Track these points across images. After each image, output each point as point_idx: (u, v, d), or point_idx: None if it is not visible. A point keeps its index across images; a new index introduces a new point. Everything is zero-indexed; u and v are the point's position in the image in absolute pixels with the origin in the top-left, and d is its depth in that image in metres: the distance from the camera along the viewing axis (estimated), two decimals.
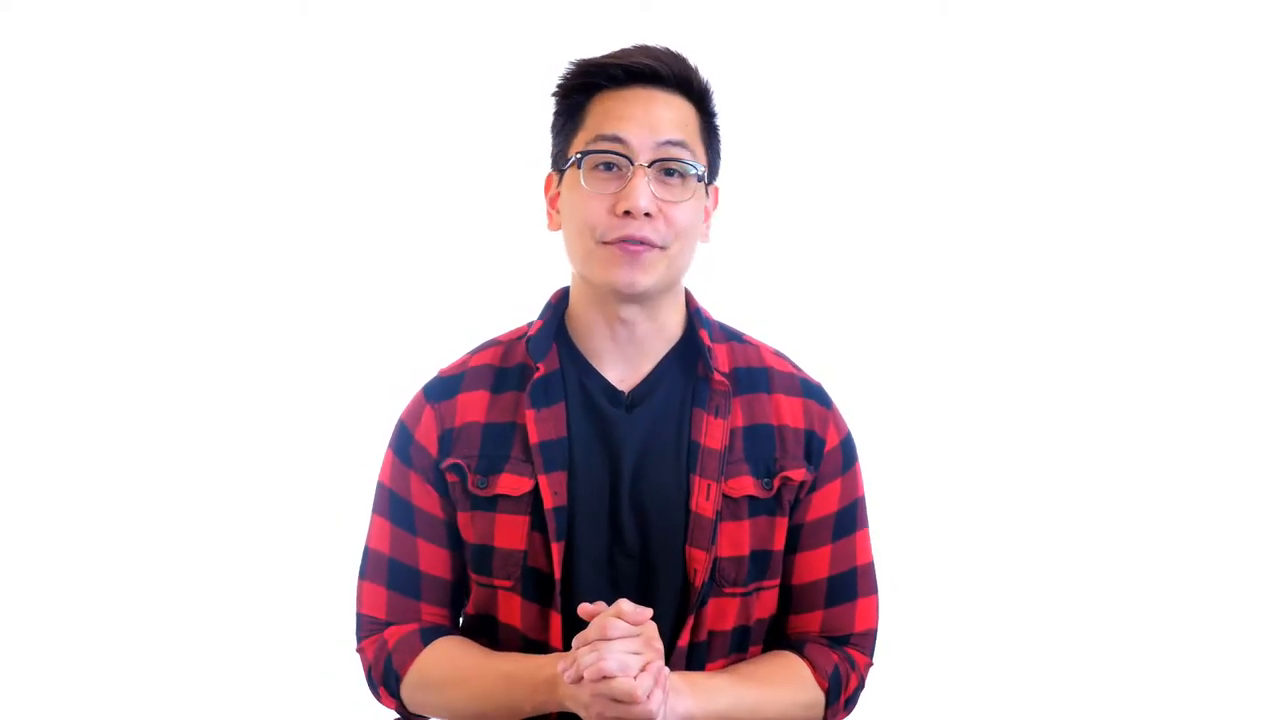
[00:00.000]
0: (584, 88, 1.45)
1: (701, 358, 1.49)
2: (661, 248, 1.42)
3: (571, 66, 1.47)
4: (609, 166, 1.42)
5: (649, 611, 1.34)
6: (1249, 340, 2.67)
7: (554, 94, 1.48)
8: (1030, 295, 2.69)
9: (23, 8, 2.61)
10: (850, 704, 1.54)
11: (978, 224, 2.69)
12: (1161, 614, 2.62)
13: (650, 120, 1.42)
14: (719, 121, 1.51)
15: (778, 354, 1.56)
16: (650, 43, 1.47)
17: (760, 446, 1.48)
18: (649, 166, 1.41)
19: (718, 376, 1.47)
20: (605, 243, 1.41)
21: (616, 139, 1.41)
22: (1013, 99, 2.67)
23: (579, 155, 1.43)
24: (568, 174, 1.45)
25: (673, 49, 1.47)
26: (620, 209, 1.40)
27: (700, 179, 1.44)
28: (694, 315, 1.52)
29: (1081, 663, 2.61)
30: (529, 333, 1.50)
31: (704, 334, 1.49)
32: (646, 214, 1.40)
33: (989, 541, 2.63)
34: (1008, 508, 2.66)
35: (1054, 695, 2.56)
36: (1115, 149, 2.67)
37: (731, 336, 1.55)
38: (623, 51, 1.46)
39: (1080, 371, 2.68)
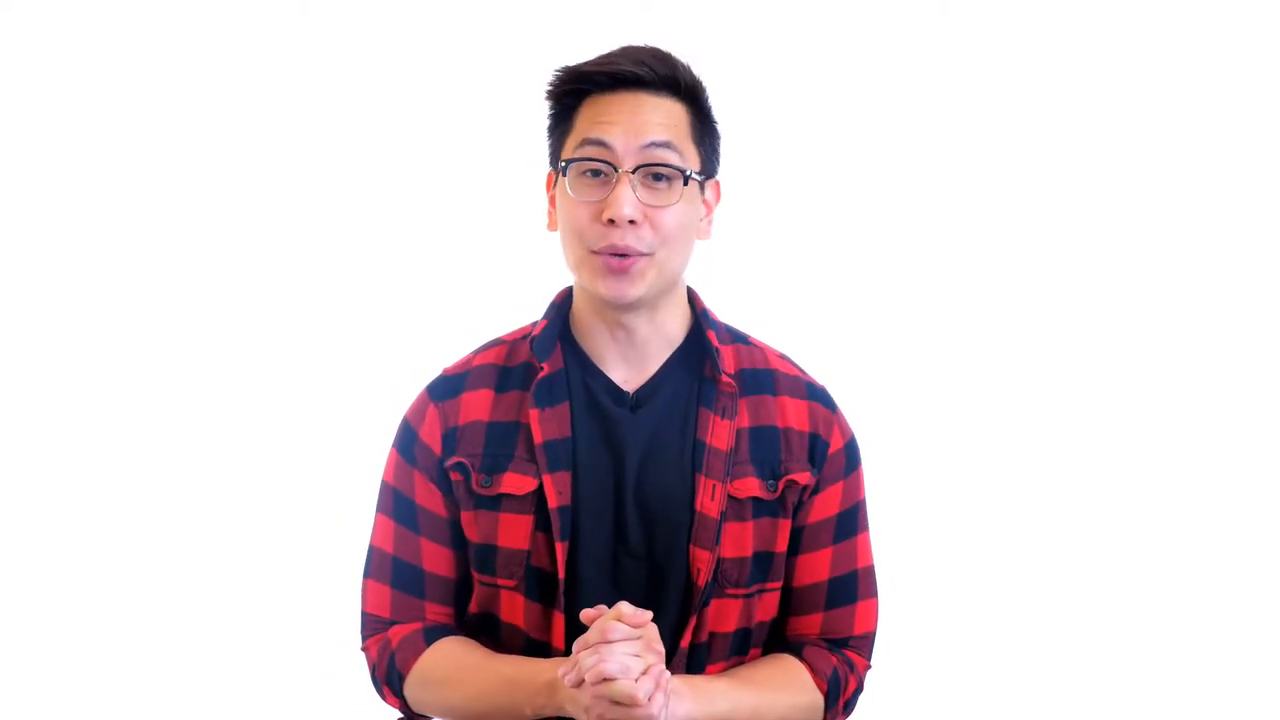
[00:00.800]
0: (573, 93, 1.45)
1: (709, 358, 1.49)
2: (649, 254, 1.42)
3: (559, 73, 1.46)
4: (595, 173, 1.42)
5: (649, 614, 1.34)
6: (1248, 341, 2.67)
7: (546, 98, 1.48)
8: (1031, 296, 2.69)
9: (23, 8, 2.60)
10: (849, 707, 1.54)
11: (978, 224, 2.69)
12: (1159, 618, 2.63)
13: (635, 124, 1.41)
14: (717, 118, 1.50)
15: (782, 356, 1.56)
16: (641, 43, 1.47)
17: (765, 448, 1.48)
18: (634, 172, 1.41)
19: (725, 378, 1.47)
20: (593, 252, 1.41)
21: (600, 143, 1.41)
22: (1012, 99, 2.67)
23: (565, 163, 1.43)
24: (559, 179, 1.45)
25: (659, 49, 1.46)
26: (605, 217, 1.40)
27: (689, 180, 1.43)
28: (701, 316, 1.52)
29: (1080, 665, 2.61)
30: (533, 332, 1.50)
31: (711, 335, 1.49)
32: (631, 221, 1.40)
33: (988, 545, 2.63)
34: (1008, 511, 2.65)
35: (1053, 697, 2.56)
36: (1115, 149, 2.67)
37: (736, 338, 1.55)
38: (607, 57, 1.45)
39: (1081, 374, 2.68)
